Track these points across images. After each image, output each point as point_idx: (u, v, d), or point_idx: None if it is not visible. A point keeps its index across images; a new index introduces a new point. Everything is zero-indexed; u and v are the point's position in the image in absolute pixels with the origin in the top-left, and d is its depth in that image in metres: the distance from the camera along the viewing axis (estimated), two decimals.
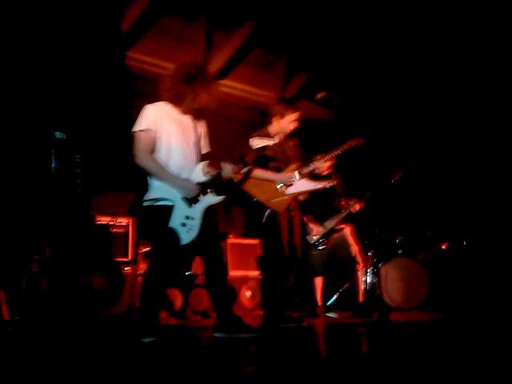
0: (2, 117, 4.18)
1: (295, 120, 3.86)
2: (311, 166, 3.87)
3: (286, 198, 3.75)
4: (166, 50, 5.83)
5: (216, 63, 6.26)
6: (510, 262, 5.44)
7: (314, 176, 3.95)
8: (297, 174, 3.78)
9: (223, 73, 6.42)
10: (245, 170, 3.57)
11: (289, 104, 3.91)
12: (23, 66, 4.71)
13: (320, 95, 4.02)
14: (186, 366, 2.03)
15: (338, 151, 3.99)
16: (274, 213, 3.68)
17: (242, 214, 6.35)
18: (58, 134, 2.93)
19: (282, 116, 3.84)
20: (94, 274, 3.39)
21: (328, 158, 3.96)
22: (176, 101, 3.15)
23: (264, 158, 3.78)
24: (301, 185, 3.79)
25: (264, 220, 3.66)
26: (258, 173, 3.73)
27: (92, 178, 4.50)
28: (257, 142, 3.23)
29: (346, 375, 1.73)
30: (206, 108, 3.19)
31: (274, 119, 3.87)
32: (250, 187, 3.72)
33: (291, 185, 3.75)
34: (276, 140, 3.35)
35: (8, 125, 4.11)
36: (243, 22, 6.10)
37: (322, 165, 3.96)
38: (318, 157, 4.15)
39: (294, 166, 3.85)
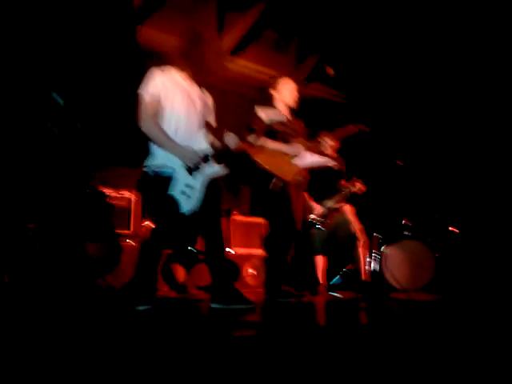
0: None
1: (290, 85, 3.88)
2: (321, 144, 3.90)
3: (294, 167, 3.75)
4: (177, 27, 5.76)
5: (227, 43, 6.19)
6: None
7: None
8: (307, 151, 3.79)
9: (234, 52, 6.35)
10: (252, 138, 3.52)
11: (277, 75, 4.03)
12: (31, 37, 4.70)
13: (330, 71, 3.97)
14: (177, 333, 2.00)
15: (344, 133, 4.04)
16: (281, 183, 3.65)
17: (248, 192, 6.34)
18: (55, 95, 2.88)
19: (275, 87, 3.89)
20: (89, 241, 3.37)
21: (334, 137, 4.01)
22: (183, 65, 3.09)
23: (275, 133, 3.75)
24: (309, 157, 3.80)
25: (271, 187, 3.62)
26: (269, 143, 3.70)
27: (94, 150, 4.50)
28: (264, 113, 3.21)
29: (341, 342, 1.70)
30: (213, 79, 3.14)
31: (273, 95, 3.91)
32: (262, 159, 3.68)
33: (299, 156, 3.74)
34: (282, 113, 3.31)
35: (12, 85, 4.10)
36: (254, 3, 6.00)
37: (329, 143, 3.97)
38: (325, 138, 4.18)
39: (303, 139, 3.85)
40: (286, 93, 3.89)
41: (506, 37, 5.72)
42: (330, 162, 3.98)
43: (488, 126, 6.20)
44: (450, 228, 5.68)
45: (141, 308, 2.81)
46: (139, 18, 5.54)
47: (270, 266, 3.72)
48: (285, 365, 1.46)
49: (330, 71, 3.97)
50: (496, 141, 6.07)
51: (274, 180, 3.64)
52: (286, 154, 3.73)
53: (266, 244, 3.78)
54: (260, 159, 3.67)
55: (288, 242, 3.72)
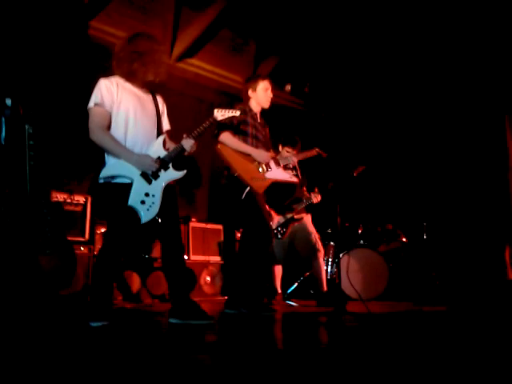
0: None
1: (268, 88, 3.88)
2: (286, 160, 3.99)
3: (266, 181, 3.75)
4: (131, 22, 5.60)
5: (184, 41, 6.08)
6: (468, 254, 5.55)
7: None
8: (273, 162, 3.80)
9: (190, 51, 6.24)
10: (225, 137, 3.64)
11: (256, 75, 4.05)
12: None
13: (287, 88, 3.98)
14: (135, 354, 1.92)
15: (306, 155, 4.25)
16: (252, 192, 3.65)
17: (206, 198, 6.27)
18: (9, 102, 2.72)
19: (254, 88, 3.85)
20: (42, 254, 3.21)
21: (300, 157, 4.26)
22: (128, 76, 3.00)
23: (245, 133, 3.75)
24: (279, 173, 3.83)
25: (243, 197, 3.61)
26: (238, 143, 3.69)
27: (48, 153, 4.30)
28: (222, 113, 3.17)
29: (302, 367, 1.67)
30: (160, 83, 3.07)
31: (249, 95, 3.88)
32: (233, 161, 3.65)
33: (269, 170, 3.75)
34: (238, 113, 3.28)
35: None
36: (213, 1, 5.92)
37: (294, 159, 4.16)
38: (287, 149, 4.52)
39: (272, 154, 3.87)
40: (262, 94, 3.86)
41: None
42: (294, 178, 4.07)
43: (439, 139, 6.40)
44: (403, 238, 5.84)
45: (95, 324, 2.70)
46: (91, 12, 5.33)
47: (246, 276, 3.68)
48: None
49: (287, 87, 3.98)
50: (446, 154, 6.27)
51: (247, 190, 3.62)
52: (253, 161, 3.70)
53: (241, 254, 3.75)
54: (235, 165, 3.64)
55: (265, 250, 3.71)
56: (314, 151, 4.24)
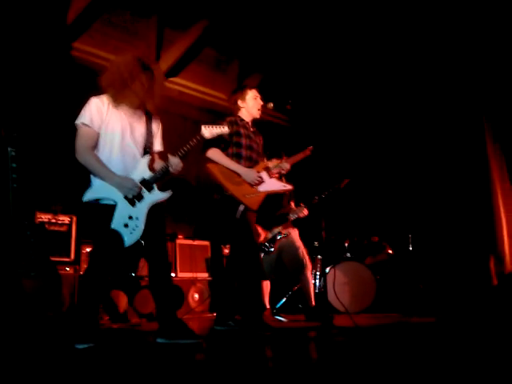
0: None
1: (257, 96, 3.90)
2: (279, 167, 3.89)
3: (260, 195, 3.71)
4: (115, 43, 5.64)
5: (167, 60, 6.12)
6: (454, 264, 5.60)
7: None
8: (265, 173, 3.77)
9: (174, 70, 6.29)
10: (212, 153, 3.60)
11: (243, 85, 4.07)
12: None
13: (269, 105, 4.03)
14: (121, 377, 1.91)
15: (298, 158, 4.11)
16: (245, 210, 3.61)
17: (191, 215, 6.26)
18: None
19: (244, 98, 3.87)
20: (26, 276, 3.19)
21: (292, 161, 4.04)
22: (118, 99, 3.00)
23: (238, 145, 3.74)
24: (272, 184, 3.80)
25: (238, 216, 3.57)
26: (226, 161, 3.66)
27: (32, 174, 4.28)
28: (209, 130, 3.17)
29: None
30: (152, 105, 3.07)
31: (239, 105, 3.87)
32: (224, 179, 3.61)
33: (262, 182, 3.72)
34: (226, 129, 3.28)
35: None
36: (196, 21, 5.99)
37: (286, 167, 3.98)
38: (274, 160, 4.24)
39: (263, 164, 3.85)
40: (252, 103, 3.87)
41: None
42: (287, 187, 3.96)
43: (420, 150, 6.48)
44: (389, 250, 5.88)
45: (81, 346, 2.67)
46: (73, 33, 5.36)
47: (236, 293, 3.67)
48: None
49: (270, 105, 4.02)
50: (428, 164, 6.35)
51: (240, 208, 3.59)
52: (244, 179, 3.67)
53: (229, 271, 3.75)
54: (226, 184, 3.60)
55: (254, 269, 3.67)
56: (308, 151, 4.13)
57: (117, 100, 2.96)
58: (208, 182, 3.89)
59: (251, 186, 3.68)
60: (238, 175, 3.66)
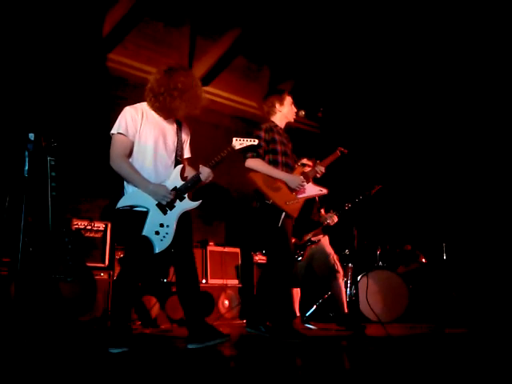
0: None
1: (292, 102, 3.92)
2: (314, 171, 3.89)
3: (299, 201, 3.71)
4: (148, 54, 5.78)
5: (199, 69, 6.21)
6: (489, 274, 5.47)
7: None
8: (302, 178, 3.75)
9: (206, 79, 6.37)
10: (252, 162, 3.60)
11: (280, 90, 4.00)
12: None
13: (301, 113, 4.04)
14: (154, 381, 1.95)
15: (330, 160, 4.07)
16: (285, 217, 3.61)
17: (223, 222, 6.32)
18: (31, 136, 2.84)
19: (282, 102, 3.87)
20: (63, 281, 3.28)
21: (325, 164, 4.01)
22: (157, 109, 3.08)
23: (275, 151, 3.74)
24: (309, 189, 3.80)
25: (280, 224, 3.58)
26: (269, 169, 3.66)
27: (68, 182, 4.41)
28: (240, 142, 3.20)
29: None
30: (188, 114, 3.13)
31: (276, 110, 3.87)
32: (266, 188, 3.62)
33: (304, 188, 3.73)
34: (256, 142, 3.30)
35: None
36: (228, 29, 6.07)
37: (322, 170, 3.95)
38: (304, 161, 4.41)
39: (300, 169, 3.86)
40: (288, 108, 3.90)
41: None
42: (323, 191, 3.93)
43: (457, 158, 6.37)
44: (422, 259, 5.78)
45: (115, 351, 2.73)
46: (108, 45, 5.52)
47: (274, 304, 3.65)
48: None
49: (301, 113, 4.03)
50: (464, 172, 6.23)
51: (283, 216, 3.60)
52: (284, 182, 3.68)
53: (265, 278, 3.74)
54: (269, 193, 3.61)
55: (289, 277, 3.69)
56: (338, 152, 4.12)
57: (163, 111, 3.05)
58: (245, 190, 3.90)
59: (290, 192, 3.68)
60: (281, 182, 3.66)
